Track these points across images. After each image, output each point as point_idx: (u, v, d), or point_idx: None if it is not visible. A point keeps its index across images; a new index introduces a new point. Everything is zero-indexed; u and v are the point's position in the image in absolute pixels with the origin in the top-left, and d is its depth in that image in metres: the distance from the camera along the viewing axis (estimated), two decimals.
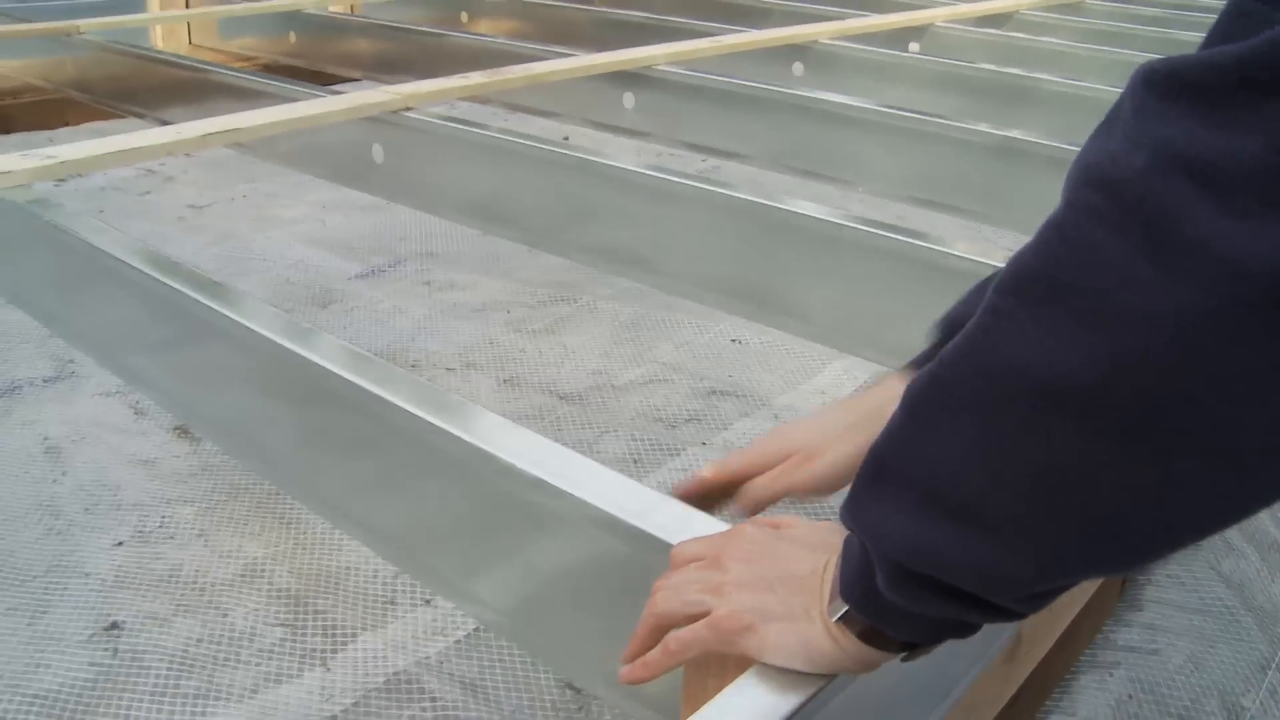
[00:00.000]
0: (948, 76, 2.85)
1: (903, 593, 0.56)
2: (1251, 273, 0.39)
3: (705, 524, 0.82)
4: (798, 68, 3.14)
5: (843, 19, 3.51)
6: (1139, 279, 0.42)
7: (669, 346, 2.21)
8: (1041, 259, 0.47)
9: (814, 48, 3.15)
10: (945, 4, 3.95)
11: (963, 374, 0.51)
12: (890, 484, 0.55)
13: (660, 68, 2.67)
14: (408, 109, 2.15)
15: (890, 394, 0.88)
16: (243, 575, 1.53)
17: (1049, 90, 2.59)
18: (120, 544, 1.61)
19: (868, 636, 0.62)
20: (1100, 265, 0.44)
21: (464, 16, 4.16)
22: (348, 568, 1.54)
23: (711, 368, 2.11)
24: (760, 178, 2.60)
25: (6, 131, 3.59)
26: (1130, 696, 1.38)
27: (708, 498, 0.90)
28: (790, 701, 0.65)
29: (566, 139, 3.73)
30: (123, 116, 3.09)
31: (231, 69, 2.80)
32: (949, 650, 0.92)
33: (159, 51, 3.22)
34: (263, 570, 1.54)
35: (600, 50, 3.30)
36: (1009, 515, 0.50)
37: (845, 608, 0.62)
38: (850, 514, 0.59)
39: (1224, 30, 0.50)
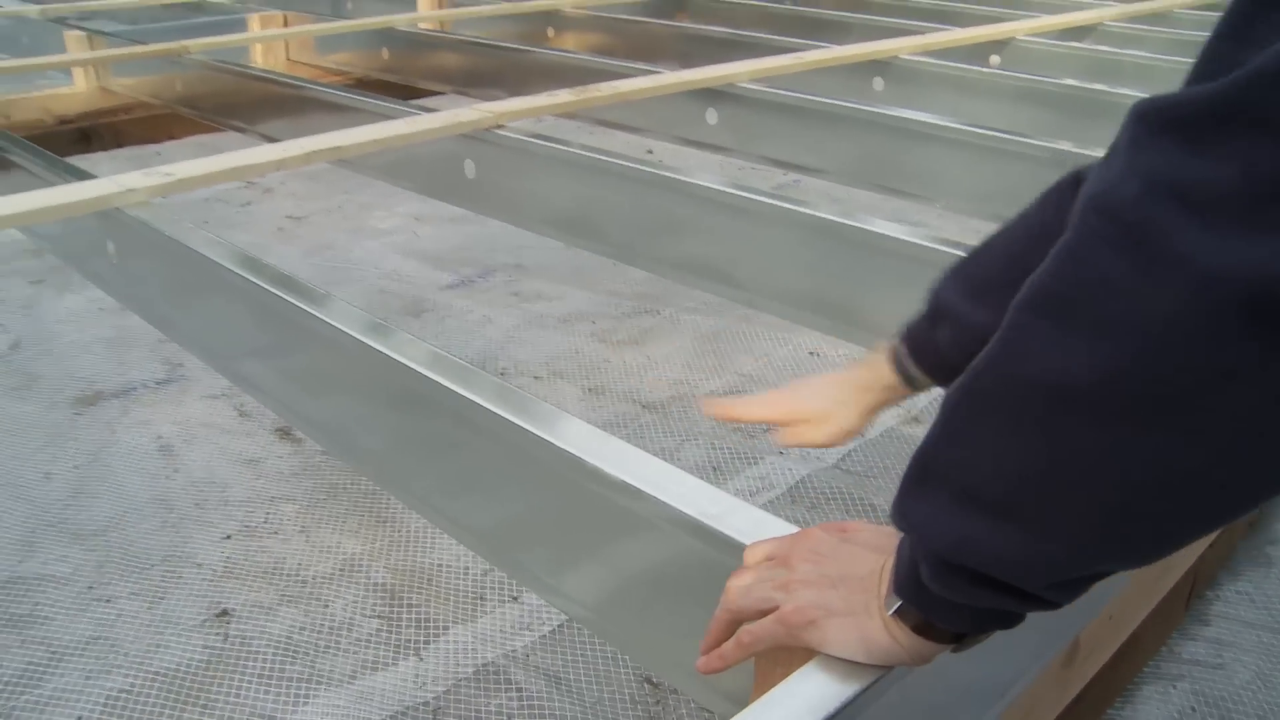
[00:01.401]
0: (1029, 91, 2.87)
1: (946, 584, 0.63)
2: (1230, 282, 0.45)
3: (777, 526, 0.88)
4: (878, 83, 3.18)
5: (923, 34, 3.52)
6: (1134, 290, 0.49)
7: (748, 358, 2.27)
8: (1053, 277, 0.53)
9: (894, 63, 3.17)
10: (1027, 17, 3.95)
11: (988, 384, 0.57)
12: (931, 485, 0.62)
13: (742, 85, 2.73)
14: (499, 126, 2.23)
15: (872, 369, 1.02)
16: (342, 569, 1.62)
17: None
18: (229, 537, 1.71)
19: (920, 630, 0.68)
20: (1101, 280, 0.50)
21: (550, 32, 4.25)
22: (440, 564, 1.63)
23: (790, 379, 2.18)
24: (839, 192, 2.65)
25: (119, 145, 3.75)
26: (1193, 709, 1.41)
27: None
28: (849, 690, 0.72)
29: (650, 152, 3.81)
30: (225, 130, 3.23)
31: (326, 85, 2.92)
32: (1002, 651, 0.98)
33: (259, 69, 3.35)
34: (361, 565, 1.63)
35: (684, 65, 3.37)
36: (1034, 509, 0.56)
37: (899, 602, 0.68)
38: (899, 514, 0.65)
39: (1201, 70, 0.55)
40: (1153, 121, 0.49)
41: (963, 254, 1.62)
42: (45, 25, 3.95)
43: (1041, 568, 0.59)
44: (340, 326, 1.29)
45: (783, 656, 0.79)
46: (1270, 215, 0.44)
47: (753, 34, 3.65)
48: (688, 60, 3.64)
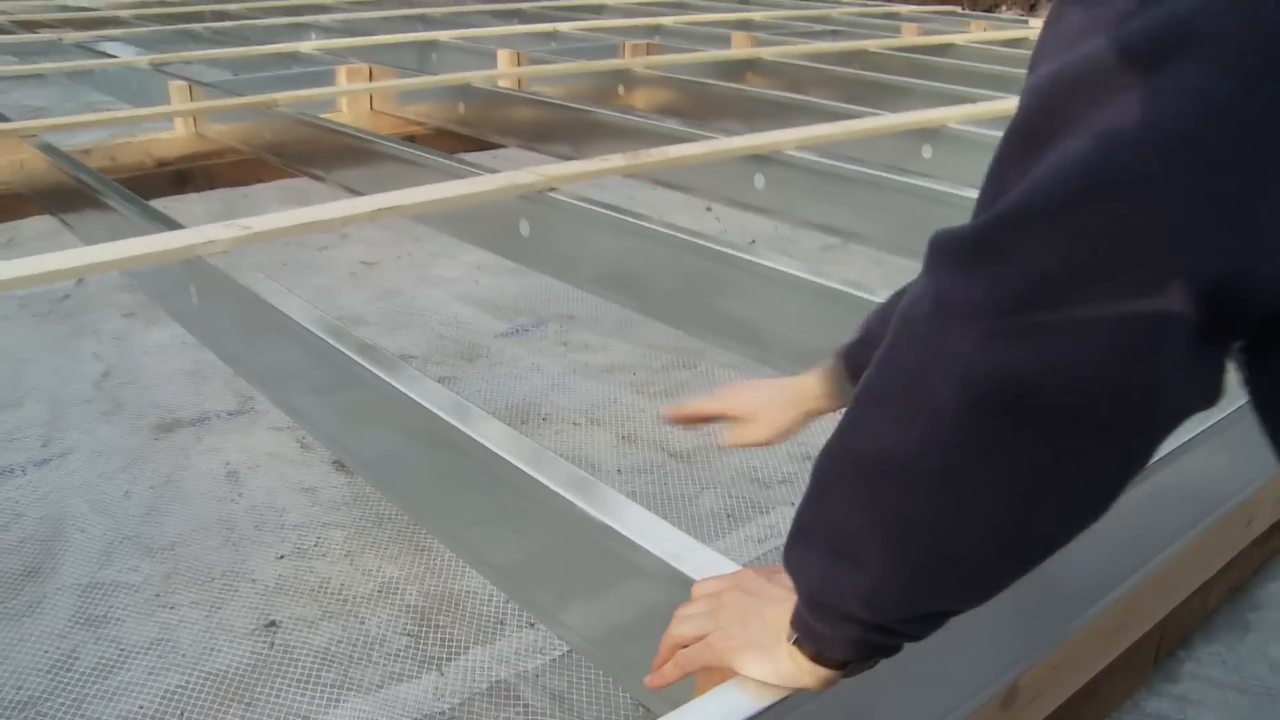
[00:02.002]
0: None
1: (821, 619, 0.77)
2: (986, 379, 0.60)
3: (727, 567, 1.03)
4: (926, 150, 3.30)
5: (974, 102, 3.64)
6: (923, 385, 0.64)
7: None
8: (875, 374, 0.69)
9: (943, 131, 3.29)
10: None
11: (837, 458, 0.73)
12: (804, 538, 0.77)
13: (789, 152, 2.87)
14: (552, 189, 2.42)
15: (811, 382, 1.19)
16: (380, 591, 1.80)
17: None
18: (282, 557, 1.90)
19: (815, 658, 0.83)
20: (903, 377, 0.66)
21: (620, 89, 4.45)
22: (467, 591, 1.80)
23: (809, 435, 2.29)
24: (879, 257, 2.78)
25: (211, 186, 4.00)
26: None
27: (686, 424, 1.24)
28: (759, 705, 0.86)
29: (710, 209, 3.98)
30: (306, 177, 3.46)
31: (397, 141, 3.13)
32: (934, 683, 1.12)
33: (341, 125, 3.57)
34: (397, 588, 1.81)
35: (745, 124, 3.53)
36: (873, 557, 0.71)
37: (795, 635, 0.83)
38: (784, 562, 0.80)
39: (976, 208, 0.69)
40: (938, 251, 0.63)
41: None
42: (152, 74, 4.23)
43: (887, 605, 0.73)
44: (384, 377, 1.46)
45: (715, 676, 0.94)
46: (1012, 328, 0.59)
47: (811, 99, 3.78)
48: (749, 120, 3.81)
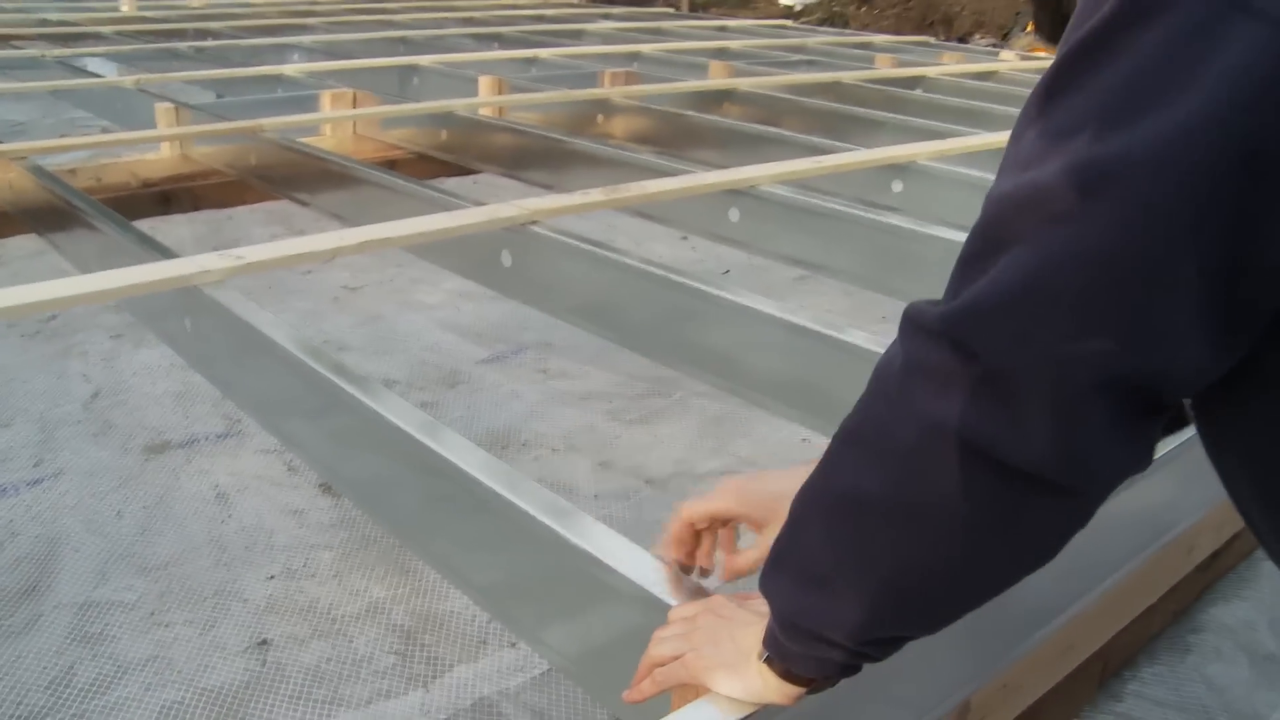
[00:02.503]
0: None
1: (793, 639, 0.87)
2: (941, 436, 0.70)
3: (700, 593, 1.12)
4: (897, 185, 3.40)
5: (943, 137, 3.74)
6: (894, 433, 0.73)
7: (746, 442, 2.51)
8: (853, 419, 0.79)
9: (913, 166, 3.39)
10: None
11: (814, 493, 0.82)
12: (781, 566, 0.86)
13: (764, 187, 2.97)
14: (534, 222, 2.50)
15: None
16: (367, 611, 1.88)
17: None
18: (272, 578, 1.98)
19: (784, 675, 0.92)
20: (875, 425, 0.76)
21: (599, 118, 4.54)
22: (452, 612, 1.88)
23: (780, 462, 2.40)
24: (848, 289, 2.87)
25: (195, 208, 4.06)
26: None
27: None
28: (729, 719, 0.95)
29: (685, 238, 4.08)
30: (290, 201, 3.53)
31: (380, 169, 3.20)
32: (885, 705, 1.21)
33: (325, 152, 3.63)
34: (384, 608, 1.89)
35: (720, 153, 3.62)
36: (844, 585, 0.80)
37: (767, 654, 0.92)
38: (761, 587, 0.89)
39: (949, 288, 0.80)
40: (911, 321, 0.73)
41: None
42: (137, 95, 4.29)
43: (854, 629, 0.82)
44: (373, 405, 1.53)
45: (689, 693, 1.03)
46: (968, 396, 0.68)
47: (786, 132, 3.88)
48: (725, 149, 3.90)
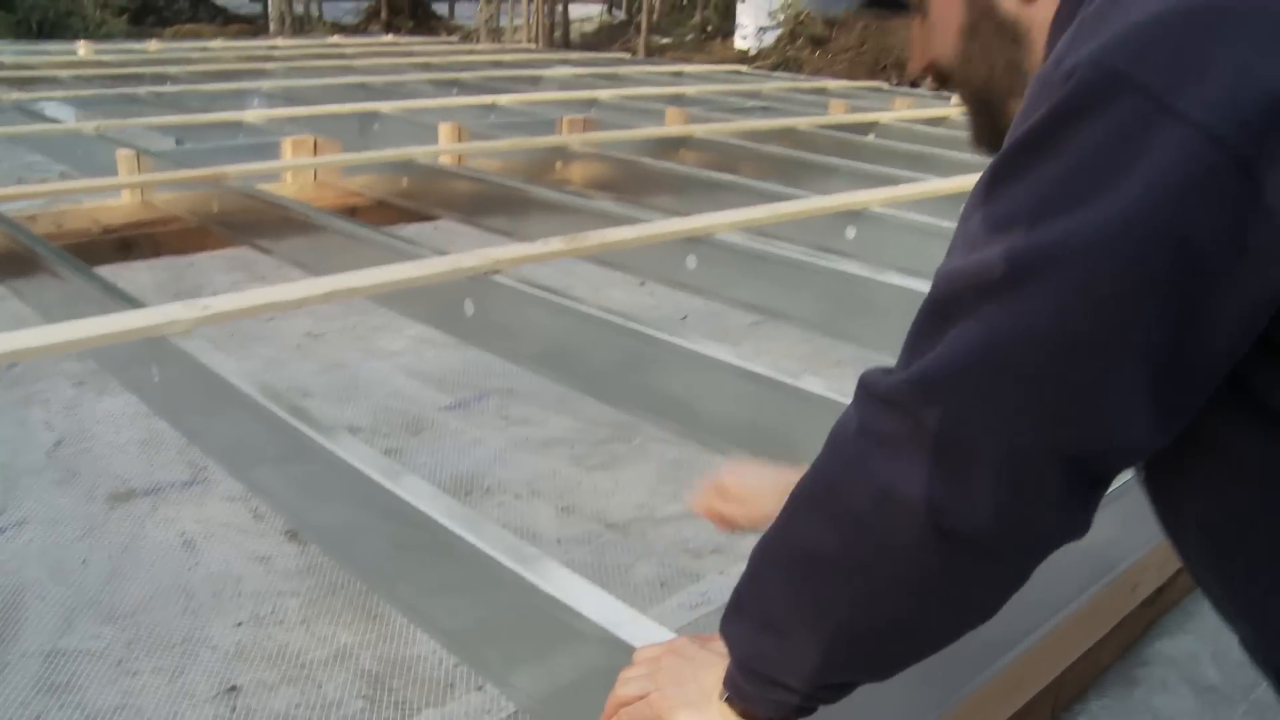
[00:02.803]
0: None
1: (751, 682, 0.92)
2: (890, 497, 0.75)
3: (664, 635, 1.17)
4: (850, 231, 3.47)
5: (895, 183, 3.83)
6: (848, 494, 0.79)
7: None
8: (810, 478, 0.84)
9: (865, 213, 3.47)
10: None
11: (773, 543, 0.87)
12: (740, 612, 0.91)
13: (720, 235, 3.03)
14: (496, 271, 2.55)
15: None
16: (335, 656, 1.91)
17: None
18: (240, 624, 2.00)
19: (744, 714, 0.97)
20: (830, 485, 0.82)
21: (558, 165, 4.60)
22: (419, 656, 1.91)
23: None
24: (804, 334, 2.93)
25: (156, 254, 4.07)
26: None
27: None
28: None
29: (643, 284, 4.14)
30: (251, 248, 3.56)
31: (342, 218, 3.23)
32: None
33: (286, 200, 3.66)
34: (351, 653, 1.92)
35: (677, 199, 3.69)
36: (799, 633, 0.86)
37: (727, 694, 0.97)
38: (722, 632, 0.95)
39: (901, 358, 0.85)
40: (865, 389, 0.79)
41: None
42: (98, 141, 4.31)
43: (808, 675, 0.87)
44: (339, 454, 1.57)
45: None
46: (915, 461, 0.74)
47: (741, 179, 3.95)
48: (682, 195, 3.97)
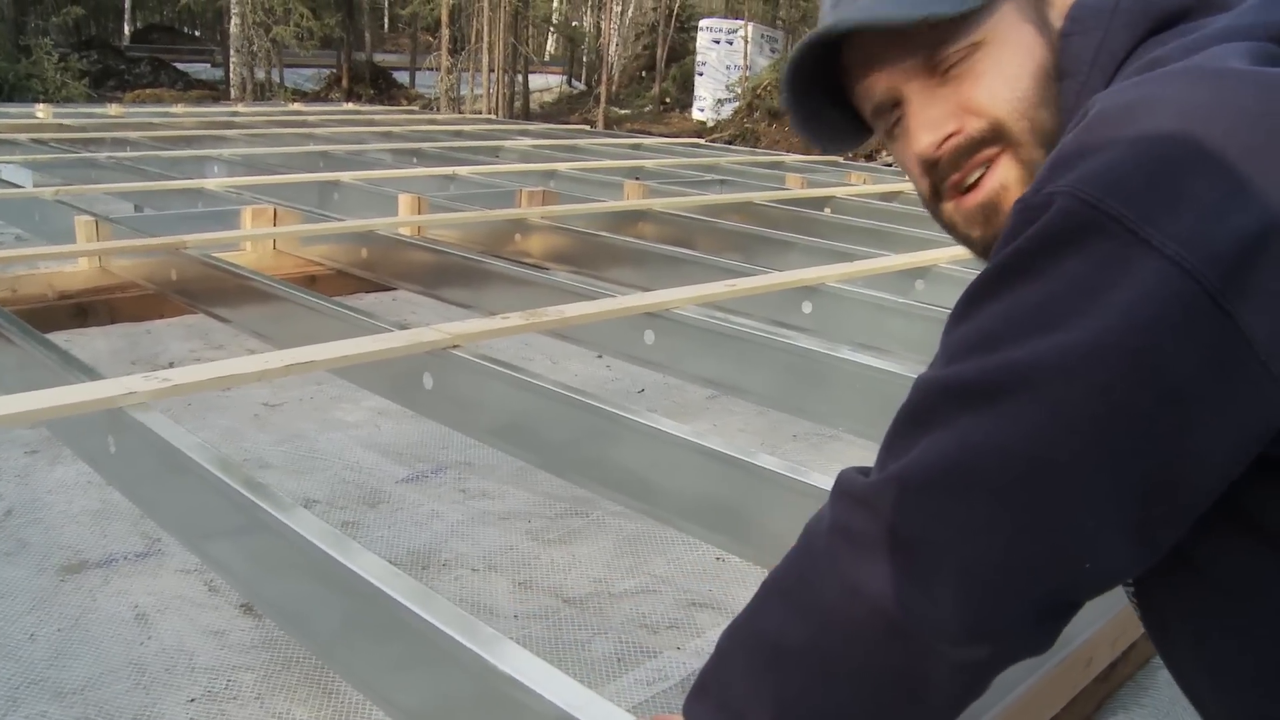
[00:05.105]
0: (945, 317, 3.18)
1: None
2: (859, 590, 0.77)
3: (621, 718, 1.18)
4: (806, 306, 3.52)
5: (851, 259, 3.90)
6: (817, 589, 0.81)
7: (662, 561, 2.58)
8: (781, 570, 0.86)
9: (821, 289, 3.52)
10: (950, 245, 4.28)
11: (740, 630, 0.89)
12: (705, 695, 0.93)
13: (678, 310, 3.07)
14: (455, 346, 2.57)
15: None
16: None
17: None
18: (193, 700, 1.98)
19: None
20: (801, 578, 0.84)
21: (517, 237, 4.64)
22: None
23: (696, 582, 2.48)
24: (758, 409, 2.97)
25: (112, 321, 4.06)
26: None
27: None
28: None
29: (600, 356, 4.17)
30: (208, 316, 3.55)
31: (301, 290, 3.24)
32: None
33: (245, 269, 3.67)
34: None
35: (635, 272, 3.73)
36: (761, 719, 0.87)
37: None
38: (684, 711, 0.96)
39: (879, 453, 0.88)
40: (841, 488, 0.83)
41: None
42: (56, 206, 4.30)
43: None
44: (295, 528, 1.57)
45: None
46: (884, 563, 0.76)
47: (699, 254, 4.00)
48: (641, 268, 4.02)
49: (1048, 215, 0.72)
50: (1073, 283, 0.70)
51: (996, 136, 0.89)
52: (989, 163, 0.90)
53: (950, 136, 0.90)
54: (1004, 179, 0.90)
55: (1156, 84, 0.74)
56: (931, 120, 0.90)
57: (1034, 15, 0.88)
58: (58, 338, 2.45)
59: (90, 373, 2.22)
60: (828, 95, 0.96)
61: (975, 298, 0.77)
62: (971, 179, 0.91)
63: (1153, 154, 0.70)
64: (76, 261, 3.90)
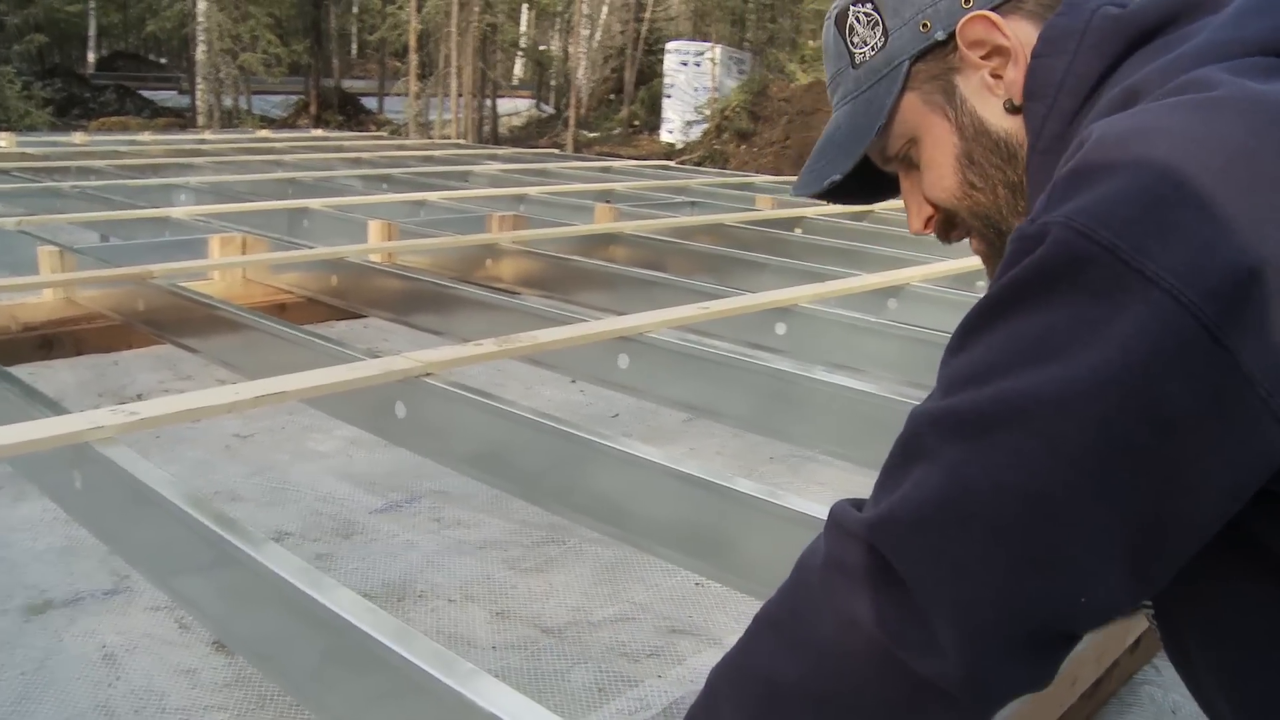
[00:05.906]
0: (919, 336, 3.17)
1: None
2: (855, 625, 0.75)
3: None
4: (780, 327, 3.52)
5: (823, 279, 3.89)
6: (811, 624, 0.79)
7: (640, 588, 2.55)
8: (774, 604, 0.84)
9: (795, 309, 3.51)
10: (924, 262, 4.26)
11: (732, 666, 0.87)
12: None
13: (651, 335, 3.05)
14: (428, 374, 2.54)
15: None
16: None
17: None
18: None
19: None
20: (794, 613, 0.82)
21: (488, 262, 4.62)
22: None
23: (675, 609, 2.46)
24: (733, 432, 2.95)
25: (79, 352, 4.01)
26: None
27: None
28: None
29: (574, 381, 4.14)
30: (177, 346, 3.51)
31: (271, 319, 3.20)
32: None
33: (213, 299, 3.63)
34: None
35: (608, 296, 3.71)
36: None
37: None
38: None
39: (875, 485, 0.86)
40: (835, 519, 0.80)
41: (811, 513, 1.91)
42: (19, 236, 4.24)
43: None
44: (267, 564, 1.54)
45: None
46: (877, 598, 0.74)
47: (672, 277, 3.99)
48: (613, 291, 4.00)
49: (1043, 247, 0.70)
50: (1068, 314, 0.69)
51: (953, 220, 1.00)
52: (968, 231, 1.00)
53: (929, 220, 1.02)
54: (978, 249, 1.00)
55: (1152, 114, 0.73)
56: (914, 206, 1.02)
57: (940, 98, 0.94)
58: (22, 370, 2.40)
59: (54, 407, 2.18)
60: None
61: (971, 329, 0.75)
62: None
63: (1146, 186, 0.68)
64: (41, 293, 3.84)
